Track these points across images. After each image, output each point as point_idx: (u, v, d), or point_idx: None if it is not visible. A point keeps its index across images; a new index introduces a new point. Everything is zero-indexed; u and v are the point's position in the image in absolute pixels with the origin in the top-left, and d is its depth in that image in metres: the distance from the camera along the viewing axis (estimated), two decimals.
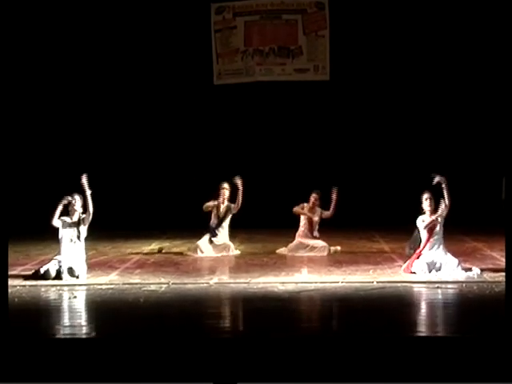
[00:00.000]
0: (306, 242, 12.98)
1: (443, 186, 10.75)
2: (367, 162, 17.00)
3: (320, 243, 12.96)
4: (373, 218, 16.13)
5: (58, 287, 9.93)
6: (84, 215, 10.68)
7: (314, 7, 16.70)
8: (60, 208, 10.64)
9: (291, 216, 13.37)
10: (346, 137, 17.03)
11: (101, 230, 14.46)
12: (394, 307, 8.70)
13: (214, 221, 13.10)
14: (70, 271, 10.44)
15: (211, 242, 13.00)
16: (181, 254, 13.04)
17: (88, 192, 10.63)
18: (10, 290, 8.29)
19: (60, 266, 10.44)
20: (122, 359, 6.79)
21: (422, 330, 7.83)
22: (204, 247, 12.95)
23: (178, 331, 7.65)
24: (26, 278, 10.48)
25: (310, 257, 12.59)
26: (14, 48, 14.47)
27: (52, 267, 10.45)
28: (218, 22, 16.83)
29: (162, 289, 9.77)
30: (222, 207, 13.07)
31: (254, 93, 16.88)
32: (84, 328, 8.04)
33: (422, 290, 9.70)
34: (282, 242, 13.35)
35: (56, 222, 10.63)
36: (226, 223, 13.13)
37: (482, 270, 10.64)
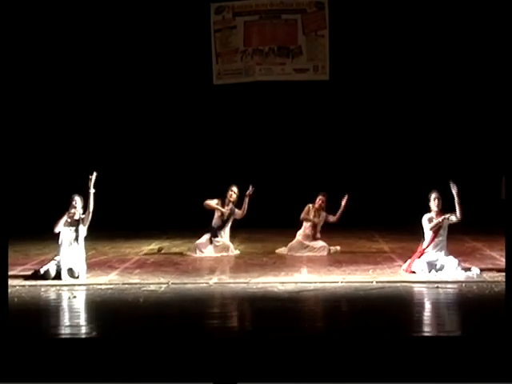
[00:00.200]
0: (306, 243, 12.98)
1: (456, 197, 10.72)
2: (367, 161, 17.00)
3: (319, 243, 12.97)
4: (372, 217, 16.14)
5: (58, 287, 9.92)
6: (84, 215, 10.67)
7: (314, 7, 16.70)
8: (65, 218, 10.63)
9: (291, 216, 13.38)
10: (346, 137, 17.04)
11: (101, 230, 14.47)
12: (394, 307, 8.70)
13: (217, 222, 13.09)
14: (70, 271, 10.44)
15: (211, 242, 13.01)
16: (180, 253, 13.04)
17: (92, 190, 10.62)
18: (9, 290, 8.29)
19: (59, 266, 10.44)
20: (122, 359, 6.79)
21: (422, 329, 7.82)
22: (204, 247, 12.95)
23: (178, 331, 7.65)
24: (25, 277, 10.48)
25: (310, 257, 12.59)
26: (15, 48, 14.49)
27: (52, 267, 10.45)
28: (217, 22, 16.83)
29: (162, 289, 9.77)
30: (227, 209, 13.06)
31: (254, 93, 16.88)
32: (84, 328, 8.03)
33: (421, 290, 9.70)
34: (281, 241, 13.35)
35: (59, 229, 10.63)
36: (229, 225, 13.15)
37: (482, 270, 10.65)
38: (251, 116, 16.98)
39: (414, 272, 10.65)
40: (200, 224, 13.32)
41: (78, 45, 16.65)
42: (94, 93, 16.93)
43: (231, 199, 13.07)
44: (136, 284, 10.08)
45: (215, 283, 10.14)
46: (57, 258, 10.62)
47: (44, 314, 8.61)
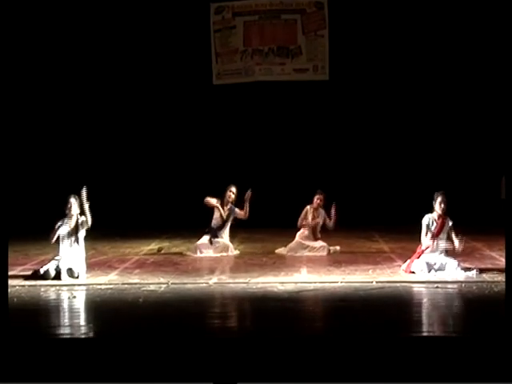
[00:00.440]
0: (306, 243, 12.98)
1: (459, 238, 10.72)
2: (366, 161, 17.00)
3: (319, 243, 12.97)
4: (372, 217, 16.14)
5: (58, 287, 9.92)
6: (81, 217, 10.65)
7: (313, 7, 16.69)
8: (58, 232, 10.63)
9: (291, 216, 13.38)
10: (346, 137, 17.03)
11: (100, 230, 14.47)
12: (394, 307, 8.70)
13: (217, 222, 13.08)
14: (70, 271, 10.44)
15: (211, 242, 13.00)
16: (180, 253, 13.04)
17: (86, 205, 10.58)
18: (9, 290, 8.28)
19: (59, 266, 10.44)
20: (122, 359, 6.79)
21: (422, 329, 7.83)
22: (203, 247, 12.95)
23: (178, 331, 7.65)
24: (25, 277, 10.48)
25: (310, 257, 12.59)
26: (14, 49, 14.47)
27: (51, 267, 10.45)
28: (217, 22, 16.82)
29: (162, 289, 9.77)
30: (226, 209, 13.06)
31: (254, 93, 16.88)
32: (83, 328, 8.03)
33: (421, 290, 9.70)
34: (281, 241, 13.35)
35: (55, 240, 10.65)
36: (228, 225, 13.15)
37: (481, 270, 10.64)
38: (251, 116, 16.97)
39: (413, 272, 10.64)
40: (200, 224, 13.32)
41: (77, 45, 16.64)
42: (93, 93, 16.93)
43: (230, 200, 13.07)
44: (136, 284, 10.07)
45: (215, 283, 10.14)
46: (57, 258, 10.63)
47: (44, 314, 8.61)
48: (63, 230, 10.67)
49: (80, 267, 10.57)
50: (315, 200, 13.04)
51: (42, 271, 10.42)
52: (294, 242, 13.02)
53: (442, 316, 8.49)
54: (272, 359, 6.72)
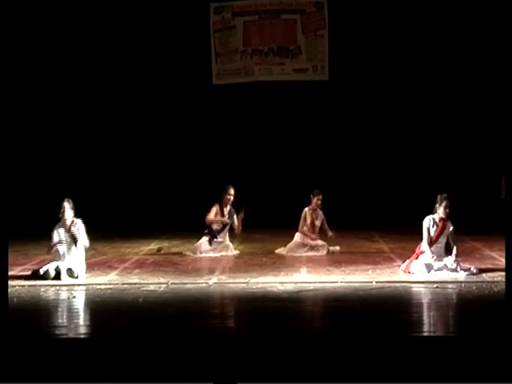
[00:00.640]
0: (306, 242, 12.97)
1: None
2: (366, 161, 17.00)
3: (319, 243, 12.96)
4: (372, 217, 16.13)
5: (57, 287, 9.92)
6: (76, 220, 10.62)
7: (313, 7, 16.69)
8: (54, 240, 10.63)
9: (290, 216, 13.39)
10: (345, 137, 17.03)
11: (100, 230, 14.48)
12: (393, 307, 8.70)
13: (218, 225, 13.05)
14: (69, 271, 10.44)
15: (210, 243, 13.00)
16: (180, 253, 13.04)
17: (80, 237, 10.57)
18: (9, 290, 8.28)
19: (59, 266, 10.44)
20: (122, 359, 6.79)
21: (421, 329, 7.83)
22: (203, 247, 12.95)
23: (178, 331, 7.65)
24: (25, 278, 10.48)
25: (309, 257, 12.59)
26: (12, 50, 14.46)
27: (51, 267, 10.45)
28: (217, 22, 16.82)
29: (161, 289, 9.77)
30: (226, 212, 13.05)
31: (253, 93, 16.88)
32: (83, 328, 8.04)
33: (421, 290, 9.70)
34: (281, 241, 13.35)
35: (54, 249, 10.68)
36: (228, 226, 13.14)
37: (481, 270, 10.64)
38: (251, 116, 16.97)
39: (412, 273, 10.63)
40: (199, 224, 13.30)
41: (77, 45, 16.63)
42: (93, 92, 16.92)
43: (229, 202, 13.05)
44: (135, 284, 10.07)
45: (215, 283, 10.14)
46: (56, 257, 10.63)
47: (43, 314, 8.61)
48: (57, 236, 10.66)
49: (80, 267, 10.57)
50: (315, 200, 13.02)
51: (41, 271, 10.42)
52: (293, 241, 13.02)
53: (441, 316, 8.50)
54: (272, 359, 6.72)
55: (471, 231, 14.24)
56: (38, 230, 12.10)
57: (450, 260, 10.63)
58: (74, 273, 10.45)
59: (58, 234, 10.68)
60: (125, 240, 14.58)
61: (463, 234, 13.72)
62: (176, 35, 16.72)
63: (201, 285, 10.03)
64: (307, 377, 6.42)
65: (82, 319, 8.52)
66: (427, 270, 10.56)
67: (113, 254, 12.97)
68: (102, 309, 8.77)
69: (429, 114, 16.74)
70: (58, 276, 10.34)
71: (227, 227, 13.16)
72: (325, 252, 12.83)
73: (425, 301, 9.33)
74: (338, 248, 13.04)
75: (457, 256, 10.66)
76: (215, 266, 11.63)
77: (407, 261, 10.86)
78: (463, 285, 9.83)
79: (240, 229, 13.12)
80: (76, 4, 16.49)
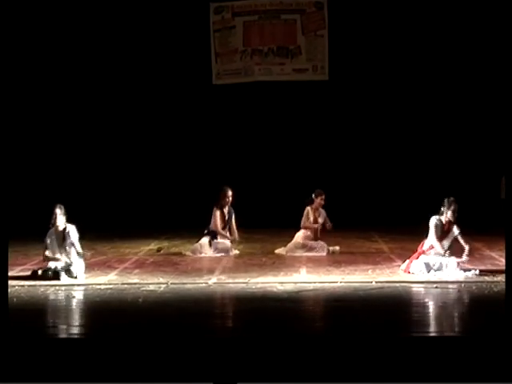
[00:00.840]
0: (305, 242, 12.97)
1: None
2: (366, 161, 17.00)
3: (319, 243, 12.96)
4: (372, 217, 16.13)
5: (57, 287, 9.91)
6: (69, 229, 10.61)
7: (313, 7, 16.69)
8: (47, 248, 10.64)
9: (290, 216, 13.38)
10: (345, 137, 17.04)
11: (100, 230, 14.50)
12: (393, 307, 8.70)
13: (220, 225, 13.06)
14: (68, 272, 10.43)
15: (210, 243, 12.99)
16: (180, 253, 13.03)
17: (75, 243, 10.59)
18: (8, 290, 8.27)
19: (58, 267, 10.43)
20: (122, 359, 6.78)
21: (421, 329, 7.81)
22: (203, 247, 12.94)
23: (177, 331, 7.64)
24: (24, 278, 10.47)
25: (309, 257, 12.58)
26: (11, 51, 14.45)
27: (51, 268, 10.44)
28: (216, 22, 16.82)
29: (161, 289, 9.77)
30: (226, 212, 13.05)
31: (253, 93, 16.88)
32: (83, 328, 8.04)
33: (420, 290, 9.70)
34: (280, 242, 13.35)
35: (48, 259, 10.68)
36: (227, 227, 13.14)
37: (481, 270, 10.64)
38: (250, 116, 16.97)
39: (412, 273, 10.63)
40: (199, 224, 13.31)
41: (77, 45, 16.63)
42: (93, 92, 16.93)
43: (228, 203, 13.04)
44: (135, 284, 10.07)
45: (214, 283, 10.13)
46: (56, 257, 10.62)
47: (43, 314, 8.61)
48: (50, 244, 10.66)
49: (79, 267, 10.56)
50: (318, 200, 13.00)
51: (41, 271, 10.42)
52: (293, 242, 13.01)
53: (441, 316, 8.50)
54: (272, 359, 6.71)
55: (471, 231, 14.21)
56: (38, 230, 12.07)
57: (452, 263, 10.61)
58: (73, 273, 10.43)
59: (51, 241, 10.67)
60: (124, 240, 14.57)
61: (463, 233, 13.71)
62: (176, 35, 16.72)
63: (200, 285, 10.03)
64: (307, 377, 6.42)
65: (81, 319, 8.51)
66: (427, 270, 10.56)
67: (112, 254, 12.97)
68: (102, 309, 8.76)
69: (429, 114, 16.74)
70: (57, 276, 10.33)
71: (227, 228, 13.15)
72: (324, 252, 12.83)
73: (425, 301, 9.33)
74: (337, 248, 13.04)
75: (468, 256, 10.64)
76: (215, 266, 11.62)
77: (407, 261, 10.85)
78: (463, 285, 9.83)
79: (236, 234, 13.09)
80: (76, 4, 16.49)
